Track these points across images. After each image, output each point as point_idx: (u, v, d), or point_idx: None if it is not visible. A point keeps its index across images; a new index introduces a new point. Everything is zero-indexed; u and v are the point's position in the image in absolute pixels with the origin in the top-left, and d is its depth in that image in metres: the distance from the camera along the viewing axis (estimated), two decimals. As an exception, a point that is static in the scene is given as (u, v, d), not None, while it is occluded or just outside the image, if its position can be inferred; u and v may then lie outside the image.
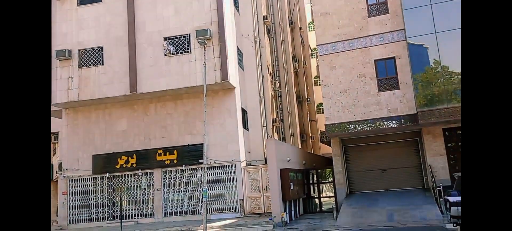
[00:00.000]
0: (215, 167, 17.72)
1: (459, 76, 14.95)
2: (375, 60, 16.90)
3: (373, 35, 17.04)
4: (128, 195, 18.50)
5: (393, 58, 16.69)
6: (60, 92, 18.10)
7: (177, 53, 17.48)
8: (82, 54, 18.21)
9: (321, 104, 38.54)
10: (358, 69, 16.95)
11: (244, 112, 19.72)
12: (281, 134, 23.89)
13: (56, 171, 20.73)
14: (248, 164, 18.84)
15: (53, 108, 18.96)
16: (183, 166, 17.98)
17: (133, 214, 18.27)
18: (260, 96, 20.69)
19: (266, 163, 19.46)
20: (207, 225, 13.92)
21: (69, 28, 18.39)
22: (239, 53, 20.12)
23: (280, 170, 15.45)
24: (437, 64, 15.37)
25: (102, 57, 18.01)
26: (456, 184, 11.61)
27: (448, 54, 15.12)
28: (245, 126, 19.63)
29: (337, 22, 17.82)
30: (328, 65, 17.41)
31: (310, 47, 35.34)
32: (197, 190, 17.76)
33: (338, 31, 17.63)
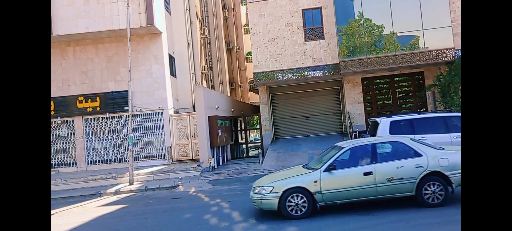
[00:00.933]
0: (141, 114, 17.30)
1: (380, 29, 15.86)
2: (302, 10, 17.20)
3: (301, -16, 17.21)
4: (47, 144, 17.46)
5: (320, 8, 17.12)
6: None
7: (97, -7, 16.21)
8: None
9: (250, 53, 38.73)
10: (286, 18, 17.16)
11: (171, 59, 19.19)
12: (210, 82, 23.79)
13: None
14: (176, 112, 18.64)
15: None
16: (107, 113, 17.28)
17: (54, 163, 17.39)
18: (188, 43, 20.19)
19: (194, 111, 19.45)
20: (134, 172, 13.79)
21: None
22: (166, -4, 19.21)
23: (208, 117, 15.55)
24: (360, 17, 16.07)
25: (9, -7, 16.11)
26: (369, 128, 12.63)
27: (371, 8, 15.84)
28: (172, 73, 19.19)
29: (269, -32, 17.64)
30: (257, 13, 17.37)
31: (240, -6, 34.75)
32: (123, 138, 17.31)
33: (269, -21, 17.49)
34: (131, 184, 13.22)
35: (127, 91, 16.53)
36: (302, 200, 7.35)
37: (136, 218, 8.87)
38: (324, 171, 7.46)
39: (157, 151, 17.47)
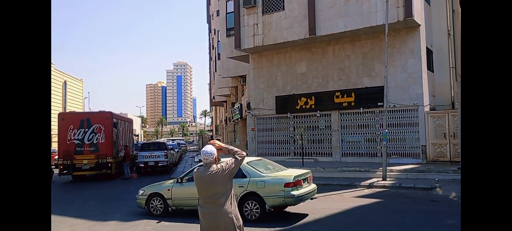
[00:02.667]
0: (395, 110, 17.01)
1: None
2: None
3: None
4: (307, 134, 19.57)
5: None
6: (247, 38, 19.85)
7: (356, -8, 16.84)
8: (265, 1, 19.34)
9: (527, 40, 32.07)
10: None
11: (429, 52, 18.03)
12: (473, 76, 21.07)
13: (245, 110, 23.33)
14: (432, 109, 17.42)
15: (241, 53, 21.07)
16: (361, 108, 17.84)
17: (312, 152, 19.34)
18: (449, 34, 18.48)
19: (453, 108, 17.68)
20: (387, 168, 13.73)
21: (254, -23, 19.66)
22: (425, -14, 18.12)
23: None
24: None
25: (283, 2, 18.78)
26: None
27: None
28: (429, 67, 18.00)
29: None
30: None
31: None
32: (375, 133, 17.50)
33: None
34: (384, 179, 13.22)
35: (380, 87, 16.62)
36: (160, 203, 9.54)
37: (392, 215, 8.80)
38: (176, 182, 9.47)
39: (410, 149, 16.83)
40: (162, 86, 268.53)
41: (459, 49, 19.04)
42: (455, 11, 19.11)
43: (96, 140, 18.28)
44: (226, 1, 22.96)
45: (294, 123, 20.02)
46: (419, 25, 16.62)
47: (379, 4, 16.11)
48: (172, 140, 56.27)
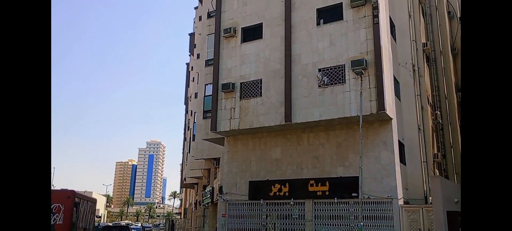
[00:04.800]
0: (369, 202, 16.80)
1: None
2: None
3: None
4: (280, 223, 18.89)
5: None
6: (223, 121, 19.87)
7: (331, 84, 17.47)
8: (243, 87, 19.74)
9: (491, 139, 33.60)
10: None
11: (401, 145, 18.40)
12: (443, 171, 21.52)
13: (217, 194, 22.60)
14: (406, 202, 17.34)
15: (216, 136, 20.94)
16: (335, 198, 17.56)
17: (284, 242, 18.52)
18: (419, 129, 19.08)
19: (426, 203, 17.67)
20: (362, 264, 13.11)
21: (233, 63, 20.25)
22: (396, 83, 19.06)
23: (447, 212, 13.70)
24: None
25: (261, 89, 19.20)
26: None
27: None
28: (402, 160, 18.26)
29: (518, 44, 15.38)
30: (506, 95, 15.06)
31: (476, 75, 31.40)
32: (350, 225, 17.06)
33: (519, 55, 15.16)
34: (359, 276, 12.56)
35: (355, 177, 16.59)
36: None
37: None
38: None
39: (385, 243, 16.35)
40: (133, 165, 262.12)
41: (429, 144, 19.58)
42: (424, 108, 19.98)
43: (53, 221, 17.01)
44: (205, 84, 23.32)
45: (267, 210, 19.39)
46: (391, 118, 17.14)
47: (353, 96, 16.67)
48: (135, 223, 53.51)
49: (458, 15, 28.49)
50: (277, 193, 18.99)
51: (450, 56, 26.14)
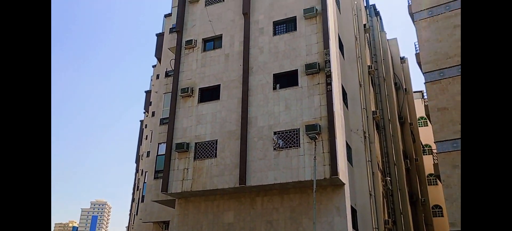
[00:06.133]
0: (322, 269, 16.44)
1: None
2: (508, 159, 14.96)
3: (503, 131, 15.32)
4: None
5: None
6: (175, 182, 19.19)
7: (286, 147, 17.62)
8: (198, 147, 19.41)
9: (437, 206, 34.86)
10: (487, 169, 15.11)
11: (353, 211, 18.52)
12: (394, 237, 21.72)
13: (165, 260, 21.27)
14: (359, 270, 17.13)
15: (167, 197, 20.09)
16: (289, 265, 17.05)
17: None
18: (370, 195, 19.42)
19: (379, 270, 17.57)
20: None
21: (189, 123, 20.03)
22: (348, 148, 19.57)
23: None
24: None
25: (216, 150, 18.96)
26: None
27: None
28: (355, 226, 18.30)
29: (457, 117, 16.55)
30: (450, 164, 15.88)
31: (421, 144, 33.14)
32: None
33: (459, 127, 16.24)
34: None
35: (309, 243, 16.29)
36: None
37: None
38: None
39: None
40: (73, 227, 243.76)
41: (380, 210, 19.88)
42: (375, 173, 20.50)
43: None
44: (159, 143, 22.72)
45: (217, 278, 18.38)
46: (344, 184, 17.36)
47: (307, 160, 16.83)
48: None
49: (404, 87, 30.49)
50: (229, 260, 18.14)
51: (398, 124, 27.53)
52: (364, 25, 24.85)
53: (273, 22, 20.38)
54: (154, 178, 22.35)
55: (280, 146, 17.71)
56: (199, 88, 20.63)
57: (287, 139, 17.76)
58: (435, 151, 16.80)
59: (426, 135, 34.40)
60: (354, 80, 21.79)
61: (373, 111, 22.54)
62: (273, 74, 19.18)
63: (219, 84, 20.22)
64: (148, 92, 44.41)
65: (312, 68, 18.07)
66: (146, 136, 37.65)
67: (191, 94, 20.47)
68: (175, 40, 22.99)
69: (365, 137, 20.47)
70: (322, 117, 17.37)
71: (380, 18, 32.13)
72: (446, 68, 18.48)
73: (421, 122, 37.79)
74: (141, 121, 51.80)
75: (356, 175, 19.75)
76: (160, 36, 28.89)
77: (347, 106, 20.80)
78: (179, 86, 21.07)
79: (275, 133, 18.05)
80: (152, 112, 31.95)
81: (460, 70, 17.67)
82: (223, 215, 19.19)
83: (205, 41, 21.86)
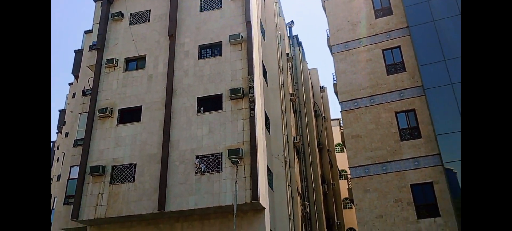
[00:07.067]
0: None
1: None
2: (411, 185, 16.32)
3: (407, 159, 16.73)
4: None
5: (431, 183, 16.09)
6: (88, 208, 17.94)
7: (208, 171, 17.46)
8: (115, 171, 18.44)
9: (351, 228, 36.73)
10: (394, 194, 16.32)
11: (273, 235, 18.78)
12: (311, 260, 22.37)
13: None
14: None
15: (78, 225, 18.66)
16: None
17: None
18: (289, 219, 19.88)
19: None
20: None
21: (106, 145, 18.99)
22: (270, 173, 19.96)
23: None
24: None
25: (134, 174, 18.15)
26: None
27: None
28: (274, 250, 18.53)
29: (369, 145, 17.79)
30: (362, 188, 16.90)
31: (338, 169, 34.96)
32: None
33: (371, 154, 17.48)
34: None
35: (228, 269, 16.11)
36: None
37: None
38: None
39: None
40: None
41: (299, 234, 20.39)
42: (294, 198, 21.10)
43: None
44: (71, 166, 21.15)
45: None
46: (264, 208, 17.59)
47: (228, 185, 16.80)
48: None
49: (323, 115, 32.13)
50: None
51: (317, 150, 28.81)
52: (287, 54, 25.95)
53: (199, 45, 20.40)
54: (64, 204, 20.63)
55: (202, 170, 17.50)
56: (119, 109, 19.77)
57: (210, 163, 17.63)
58: (350, 176, 17.82)
59: (342, 160, 36.44)
60: (276, 106, 22.48)
61: (294, 137, 23.37)
62: (198, 97, 19.08)
63: (141, 106, 19.58)
64: (62, 111, 41.49)
65: (236, 93, 18.30)
66: (58, 158, 34.91)
67: (109, 115, 19.51)
68: (94, 58, 21.91)
69: (285, 162, 21.07)
70: (245, 142, 17.57)
71: (302, 49, 33.85)
72: (359, 98, 19.88)
73: (338, 148, 39.99)
74: (53, 142, 47.98)
75: (276, 199, 20.14)
76: (78, 53, 27.33)
77: (269, 132, 21.31)
78: (97, 106, 19.99)
79: (197, 157, 17.82)
80: (66, 133, 29.83)
81: (372, 100, 19.12)
82: (140, 242, 18.27)
83: (128, 60, 21.15)
